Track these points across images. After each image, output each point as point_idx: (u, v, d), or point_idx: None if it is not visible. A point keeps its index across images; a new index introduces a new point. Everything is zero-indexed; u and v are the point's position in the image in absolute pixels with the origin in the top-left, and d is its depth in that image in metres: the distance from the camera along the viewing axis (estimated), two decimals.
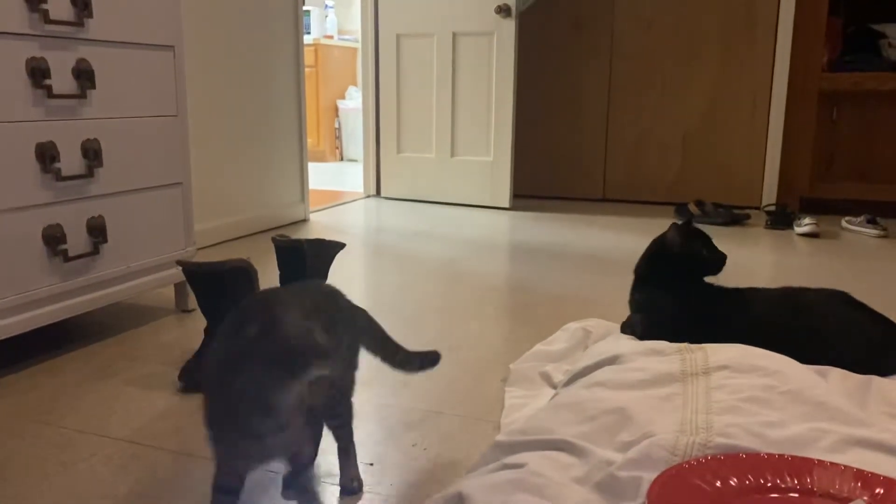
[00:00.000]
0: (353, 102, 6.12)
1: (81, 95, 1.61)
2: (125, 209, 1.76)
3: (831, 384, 1.22)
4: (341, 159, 6.34)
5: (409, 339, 1.80)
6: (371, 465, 1.19)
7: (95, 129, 1.66)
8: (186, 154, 1.93)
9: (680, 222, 1.62)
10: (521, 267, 2.58)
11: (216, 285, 1.59)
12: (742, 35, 3.75)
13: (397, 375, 1.57)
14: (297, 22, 3.34)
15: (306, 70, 6.17)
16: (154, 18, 1.79)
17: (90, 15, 1.61)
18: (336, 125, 6.30)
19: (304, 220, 3.48)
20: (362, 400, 1.44)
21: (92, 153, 1.64)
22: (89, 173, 1.64)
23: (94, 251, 1.68)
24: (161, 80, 1.83)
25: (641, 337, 1.50)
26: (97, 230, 1.68)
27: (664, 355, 1.25)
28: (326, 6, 6.29)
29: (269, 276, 2.33)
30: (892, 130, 3.59)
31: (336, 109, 6.27)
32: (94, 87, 1.63)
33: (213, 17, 2.83)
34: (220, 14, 2.86)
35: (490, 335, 1.85)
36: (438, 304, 2.12)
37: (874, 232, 3.19)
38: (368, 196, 4.24)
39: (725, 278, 1.69)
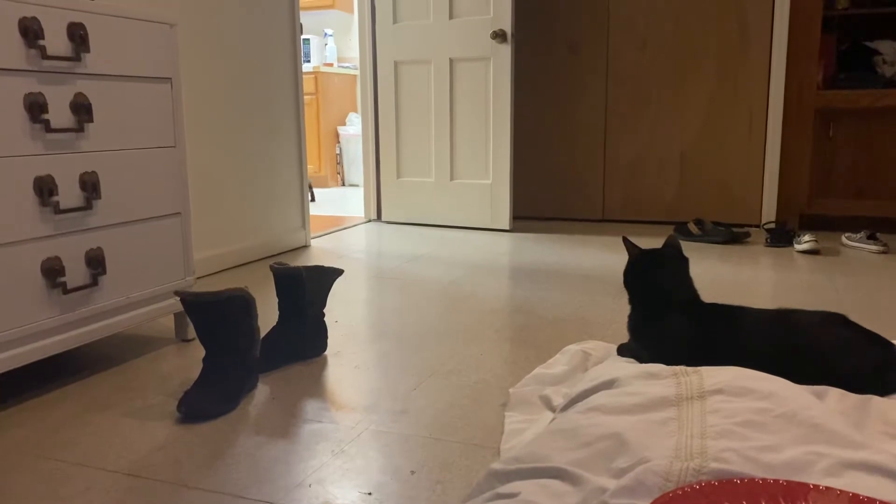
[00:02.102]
0: (354, 128, 6.17)
1: (79, 129, 1.62)
2: (124, 240, 1.78)
3: (829, 404, 1.21)
4: (343, 184, 6.38)
5: (410, 363, 1.81)
6: (369, 494, 1.18)
7: (93, 162, 1.68)
8: (185, 184, 1.95)
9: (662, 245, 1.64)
10: (522, 289, 2.59)
11: (214, 315, 1.60)
12: (737, 53, 3.78)
13: (396, 402, 1.57)
14: (296, 51, 3.38)
15: (307, 97, 6.21)
16: (151, 51, 1.81)
17: (87, 49, 1.63)
18: (337, 151, 6.35)
19: (306, 246, 3.49)
20: (360, 427, 1.44)
21: (90, 186, 1.66)
22: (88, 206, 1.66)
23: (93, 283, 1.69)
24: (159, 111, 1.85)
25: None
26: (96, 262, 1.69)
27: (660, 379, 1.25)
28: (326, 34, 6.36)
29: (268, 304, 2.33)
30: (889, 146, 3.60)
31: (337, 135, 6.32)
32: (91, 120, 1.65)
33: (213, 47, 2.87)
34: (218, 44, 2.89)
35: (490, 358, 1.85)
36: (439, 327, 2.11)
37: (874, 248, 3.19)
38: (369, 220, 4.26)
39: (728, 297, 1.69)
